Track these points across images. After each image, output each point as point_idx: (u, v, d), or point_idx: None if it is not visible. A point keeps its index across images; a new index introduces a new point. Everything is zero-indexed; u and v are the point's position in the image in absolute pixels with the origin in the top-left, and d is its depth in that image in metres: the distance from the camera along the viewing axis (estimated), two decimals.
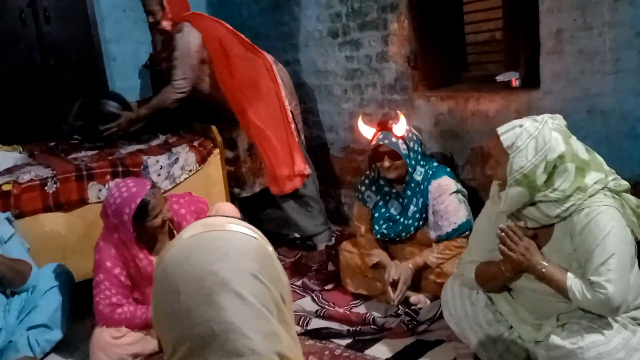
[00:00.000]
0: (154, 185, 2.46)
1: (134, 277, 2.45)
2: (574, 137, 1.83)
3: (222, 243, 0.92)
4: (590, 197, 1.76)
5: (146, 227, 2.40)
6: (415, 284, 2.64)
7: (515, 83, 2.66)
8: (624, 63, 2.18)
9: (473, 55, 3.17)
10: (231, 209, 2.76)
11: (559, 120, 1.83)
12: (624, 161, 2.14)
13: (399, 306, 2.57)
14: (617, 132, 2.24)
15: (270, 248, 0.98)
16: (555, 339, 1.75)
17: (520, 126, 1.79)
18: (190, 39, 3.19)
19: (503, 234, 1.85)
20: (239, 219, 1.04)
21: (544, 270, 1.79)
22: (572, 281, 1.74)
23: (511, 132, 1.79)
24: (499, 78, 2.74)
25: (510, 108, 2.61)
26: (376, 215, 2.78)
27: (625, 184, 1.83)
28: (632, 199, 1.81)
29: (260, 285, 0.90)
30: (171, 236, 2.54)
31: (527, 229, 1.88)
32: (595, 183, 1.77)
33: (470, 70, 3.17)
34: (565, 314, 1.83)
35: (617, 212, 1.74)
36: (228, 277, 0.88)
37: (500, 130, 1.82)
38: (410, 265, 2.60)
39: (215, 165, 3.32)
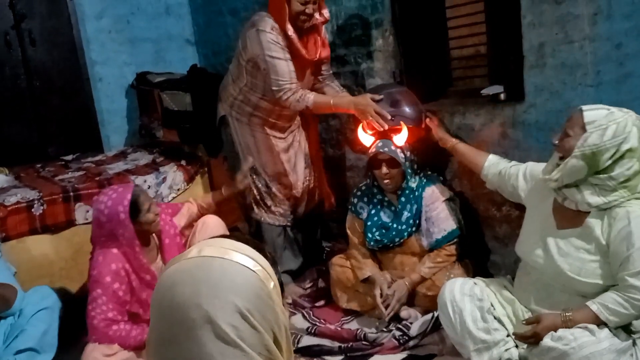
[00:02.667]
0: (137, 185, 2.59)
1: (135, 288, 2.46)
2: None
3: (215, 274, 0.87)
4: (635, 199, 1.82)
5: (141, 226, 2.46)
6: (408, 298, 2.64)
7: (500, 97, 2.69)
8: (605, 75, 2.22)
9: (458, 70, 3.21)
10: (216, 222, 2.77)
11: None
12: None
13: (390, 321, 2.57)
14: None
15: (271, 285, 0.91)
16: (548, 342, 1.80)
17: (607, 109, 1.84)
18: None
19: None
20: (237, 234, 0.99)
21: (569, 324, 1.83)
22: (600, 311, 1.79)
23: (596, 111, 1.84)
24: (484, 92, 2.77)
25: (495, 121, 2.64)
26: (369, 223, 2.79)
27: None
28: None
29: (247, 327, 0.85)
30: (159, 241, 2.63)
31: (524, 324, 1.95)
32: None
33: (456, 85, 3.20)
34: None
35: None
36: (213, 312, 0.84)
37: (585, 107, 1.86)
38: (406, 282, 2.61)
39: (203, 184, 3.32)
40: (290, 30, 2.69)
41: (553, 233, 1.98)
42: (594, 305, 1.80)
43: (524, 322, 1.95)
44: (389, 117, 2.60)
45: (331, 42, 3.33)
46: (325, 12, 2.83)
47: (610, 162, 1.80)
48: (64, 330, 2.58)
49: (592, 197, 1.85)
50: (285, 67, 2.70)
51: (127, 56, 4.16)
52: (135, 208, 2.40)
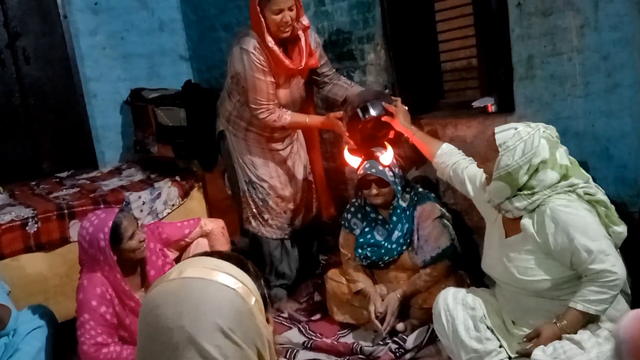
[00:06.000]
0: (122, 209, 2.49)
1: (119, 313, 2.42)
2: (560, 150, 1.99)
3: (196, 295, 0.90)
4: (556, 194, 1.92)
5: (124, 254, 2.40)
6: (402, 311, 2.64)
7: (491, 108, 2.70)
8: (593, 86, 2.24)
9: (450, 82, 3.23)
10: (203, 244, 2.77)
11: (550, 131, 2.00)
12: (598, 182, 2.17)
13: (385, 335, 2.57)
14: (590, 153, 2.29)
15: (252, 301, 0.93)
16: (539, 355, 1.81)
17: (515, 129, 1.95)
18: None
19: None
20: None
21: (566, 330, 1.87)
22: (586, 307, 1.83)
23: (505, 133, 1.95)
24: (475, 104, 2.79)
25: (487, 133, 2.64)
26: (360, 240, 2.79)
27: (600, 197, 1.96)
28: (602, 209, 1.95)
29: (230, 345, 0.87)
30: (142, 271, 2.55)
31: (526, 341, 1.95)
32: (566, 187, 1.94)
33: (448, 97, 3.22)
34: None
35: (580, 203, 1.92)
36: (195, 333, 0.86)
37: (497, 129, 1.99)
38: (398, 295, 2.61)
39: (197, 199, 3.32)
40: (271, 42, 2.72)
41: (502, 243, 2.08)
42: (578, 305, 1.85)
43: (524, 339, 1.97)
44: (347, 135, 2.69)
45: None
46: (304, 20, 2.84)
47: (526, 177, 1.92)
48: (58, 348, 2.57)
49: (519, 202, 1.96)
50: (264, 88, 2.77)
51: (121, 72, 4.19)
52: (116, 235, 2.35)
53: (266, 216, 3.09)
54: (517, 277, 1.99)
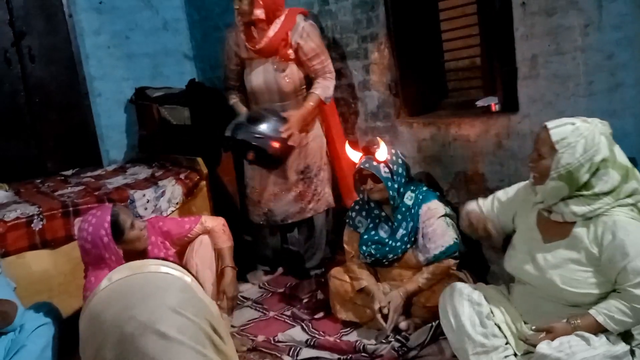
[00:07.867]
0: (115, 204, 2.54)
1: None
2: (617, 146, 1.87)
3: (135, 286, 0.91)
4: (619, 206, 1.80)
5: (129, 246, 2.43)
6: (405, 309, 2.64)
7: (495, 108, 2.71)
8: (597, 85, 2.25)
9: (453, 82, 3.24)
10: (207, 241, 2.78)
11: (606, 127, 1.86)
12: None
13: (389, 332, 2.58)
14: None
15: (188, 279, 0.96)
16: (544, 348, 1.77)
17: (572, 124, 1.82)
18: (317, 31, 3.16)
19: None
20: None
21: (578, 330, 1.82)
22: (606, 322, 1.78)
23: (562, 128, 1.82)
24: (479, 103, 2.80)
25: (491, 132, 2.67)
26: (365, 237, 2.80)
27: None
28: None
29: (183, 320, 0.88)
30: None
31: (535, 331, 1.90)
32: (628, 196, 1.82)
33: (451, 96, 3.23)
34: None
35: None
36: (147, 318, 0.86)
37: (550, 124, 1.85)
38: (400, 293, 2.61)
39: (202, 197, 3.33)
40: (239, 22, 3.07)
41: (540, 247, 1.97)
42: (599, 317, 1.78)
43: (533, 329, 1.91)
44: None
45: None
46: (257, 12, 2.97)
47: (587, 175, 1.81)
48: (64, 345, 2.58)
49: (577, 207, 1.84)
50: (226, 64, 3.28)
51: (125, 71, 4.21)
52: (117, 228, 2.37)
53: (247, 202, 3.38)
54: (559, 287, 1.88)
